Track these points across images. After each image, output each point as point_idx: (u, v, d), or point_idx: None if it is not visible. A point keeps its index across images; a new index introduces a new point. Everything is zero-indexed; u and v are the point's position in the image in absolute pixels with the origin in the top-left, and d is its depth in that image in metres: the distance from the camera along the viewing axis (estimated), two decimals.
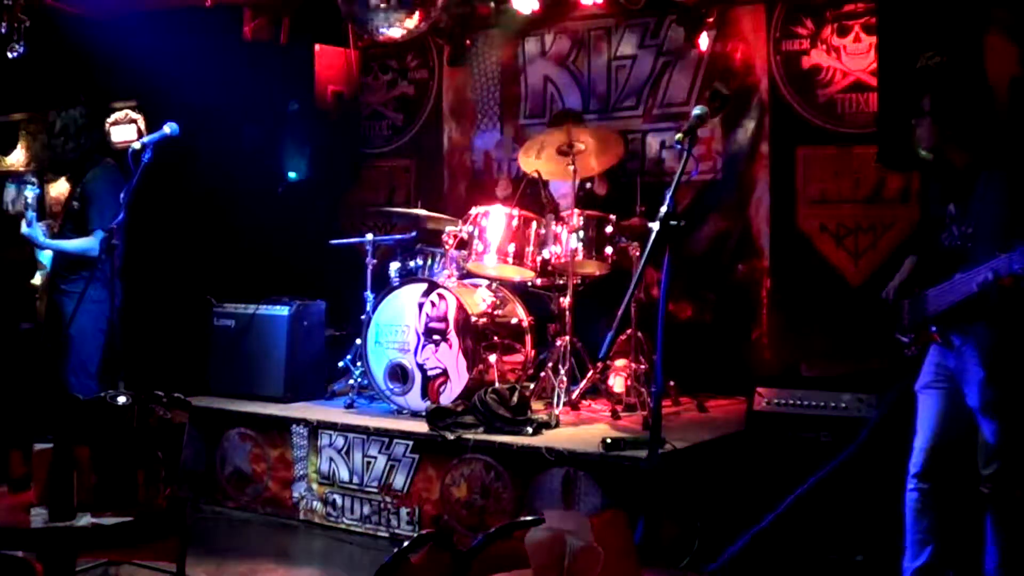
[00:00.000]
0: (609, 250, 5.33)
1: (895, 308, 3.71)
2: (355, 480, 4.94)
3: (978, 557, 3.50)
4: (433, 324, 5.24)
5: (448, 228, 5.63)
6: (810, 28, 6.00)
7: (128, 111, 7.53)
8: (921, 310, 3.56)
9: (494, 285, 5.56)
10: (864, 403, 4.29)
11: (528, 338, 5.52)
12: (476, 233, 5.37)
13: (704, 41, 6.20)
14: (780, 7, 6.09)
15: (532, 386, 5.35)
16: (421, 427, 4.84)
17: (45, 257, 5.15)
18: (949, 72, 4.03)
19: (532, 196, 6.02)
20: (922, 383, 3.63)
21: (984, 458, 3.43)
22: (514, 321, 5.52)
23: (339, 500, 5.00)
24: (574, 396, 5.22)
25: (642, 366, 5.26)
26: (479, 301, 5.34)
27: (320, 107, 6.42)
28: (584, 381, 5.33)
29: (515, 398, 4.79)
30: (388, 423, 5.03)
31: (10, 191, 7.72)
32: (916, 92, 3.67)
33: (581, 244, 5.25)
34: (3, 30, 5.30)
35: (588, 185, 6.02)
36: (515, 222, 5.33)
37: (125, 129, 7.44)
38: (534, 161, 5.62)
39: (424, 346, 5.26)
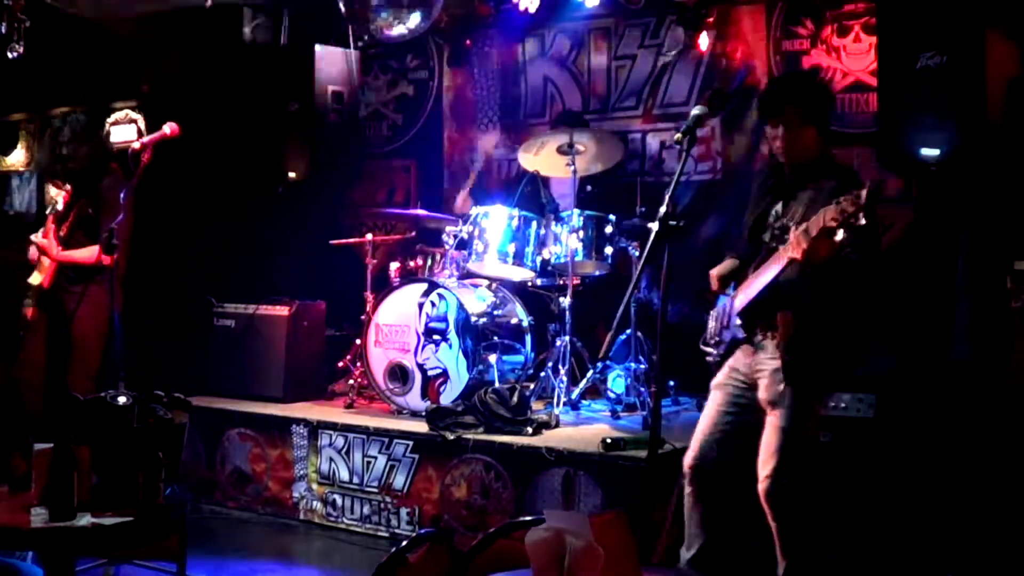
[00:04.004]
0: (609, 250, 5.34)
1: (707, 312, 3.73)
2: (355, 480, 4.94)
3: None
4: (433, 324, 5.25)
5: (448, 228, 5.63)
6: (810, 28, 5.99)
7: (128, 111, 7.53)
8: (729, 312, 3.56)
9: (494, 285, 5.56)
10: (864, 403, 4.29)
11: (528, 338, 5.52)
12: (476, 233, 5.38)
13: (704, 41, 6.19)
14: (780, 7, 6.09)
15: (532, 386, 5.35)
16: (421, 427, 4.84)
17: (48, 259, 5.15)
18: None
19: (532, 196, 6.03)
20: (714, 382, 3.63)
21: (764, 455, 3.40)
22: (514, 321, 5.52)
23: (339, 500, 5.00)
24: (574, 396, 5.22)
25: (642, 366, 5.26)
26: (479, 301, 5.34)
27: (319, 108, 6.40)
28: (584, 381, 5.34)
29: (515, 398, 4.79)
30: (388, 423, 5.03)
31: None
32: (912, 93, 3.67)
33: (581, 244, 5.25)
34: (3, 30, 5.29)
35: (588, 187, 6.01)
36: (515, 222, 5.33)
37: (125, 129, 7.44)
38: (533, 159, 5.62)
39: (424, 346, 5.26)
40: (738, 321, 3.49)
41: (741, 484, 3.49)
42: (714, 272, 3.68)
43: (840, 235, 2.90)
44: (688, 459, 3.57)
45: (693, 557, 3.54)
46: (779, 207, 3.47)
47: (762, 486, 3.38)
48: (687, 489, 3.58)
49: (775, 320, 3.37)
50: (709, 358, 3.68)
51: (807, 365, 3.32)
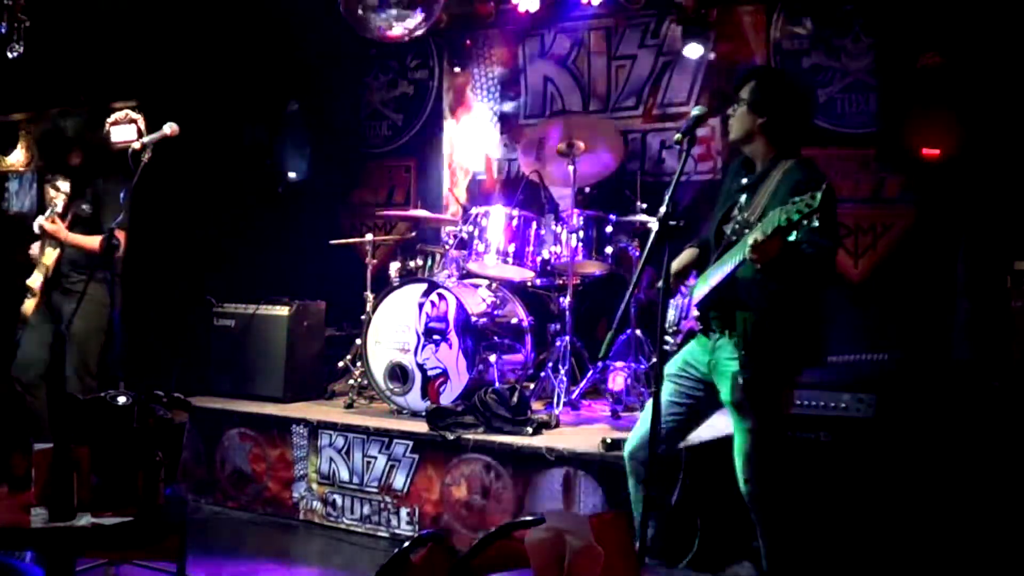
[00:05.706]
0: (609, 250, 5.34)
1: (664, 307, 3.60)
2: (355, 480, 4.94)
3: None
4: (433, 324, 5.25)
5: (448, 228, 5.63)
6: (810, 28, 6.00)
7: (128, 111, 7.53)
8: (687, 305, 3.53)
9: (494, 285, 5.56)
10: (864, 403, 4.29)
11: (528, 338, 5.52)
12: (476, 233, 5.38)
13: (695, 50, 6.18)
14: (780, 7, 6.10)
15: (532, 386, 5.35)
16: (421, 427, 4.84)
17: (48, 258, 5.15)
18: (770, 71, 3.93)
19: (532, 196, 6.03)
20: (667, 371, 3.56)
21: (741, 457, 3.36)
22: (514, 321, 5.52)
23: (339, 500, 5.00)
24: (574, 396, 5.23)
25: (642, 366, 5.26)
26: (479, 301, 5.34)
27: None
28: (584, 381, 5.34)
29: (515, 398, 4.79)
30: (388, 423, 5.03)
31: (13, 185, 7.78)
32: (914, 92, 3.64)
33: (581, 244, 5.26)
34: (3, 30, 5.29)
35: (587, 190, 6.01)
36: (515, 222, 5.34)
37: (125, 129, 7.44)
38: (534, 162, 5.63)
39: (424, 346, 5.27)
40: (695, 312, 3.47)
41: (734, 484, 3.48)
42: (672, 267, 3.59)
43: (793, 236, 2.88)
44: (628, 450, 3.54)
45: (644, 548, 3.48)
46: (743, 200, 3.44)
47: (743, 489, 3.37)
48: (631, 480, 3.55)
49: (732, 317, 3.33)
50: (667, 347, 3.63)
51: (767, 361, 3.26)
